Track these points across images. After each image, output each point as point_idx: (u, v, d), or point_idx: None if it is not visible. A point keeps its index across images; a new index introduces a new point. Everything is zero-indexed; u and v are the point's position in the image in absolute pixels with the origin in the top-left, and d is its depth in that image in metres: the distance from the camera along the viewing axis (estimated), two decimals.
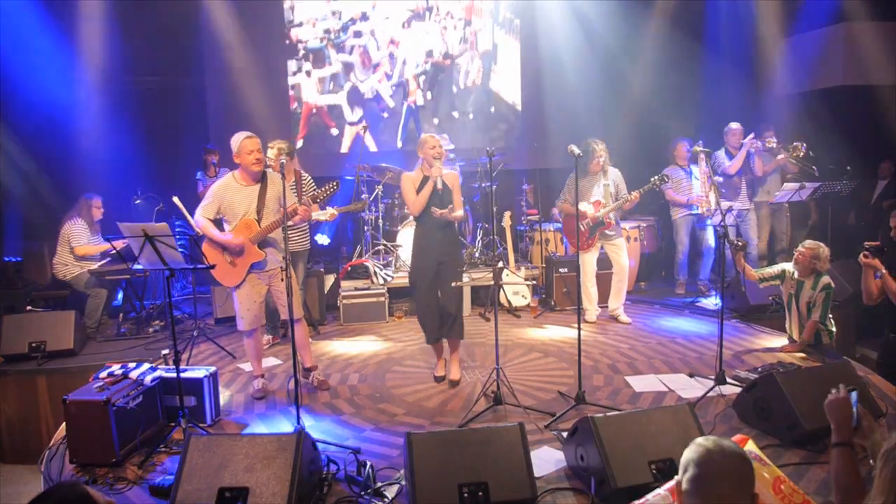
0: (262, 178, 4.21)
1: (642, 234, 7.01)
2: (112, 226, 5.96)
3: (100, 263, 5.97)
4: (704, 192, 6.43)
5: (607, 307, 6.13)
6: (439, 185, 4.30)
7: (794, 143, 6.44)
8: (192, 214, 6.19)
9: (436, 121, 8.38)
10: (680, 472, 1.71)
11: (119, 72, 7.16)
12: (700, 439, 1.71)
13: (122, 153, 7.20)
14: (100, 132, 7.12)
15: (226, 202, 4.16)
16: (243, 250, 4.16)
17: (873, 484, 1.73)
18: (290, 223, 4.11)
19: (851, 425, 2.17)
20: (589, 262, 5.92)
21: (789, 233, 7.04)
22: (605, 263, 6.10)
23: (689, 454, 1.70)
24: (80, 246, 5.91)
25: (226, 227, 4.23)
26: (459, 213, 4.47)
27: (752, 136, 6.51)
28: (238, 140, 4.15)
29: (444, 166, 4.39)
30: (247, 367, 4.96)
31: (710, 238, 6.68)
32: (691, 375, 4.54)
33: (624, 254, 5.94)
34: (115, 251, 5.56)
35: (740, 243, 4.85)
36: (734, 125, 6.66)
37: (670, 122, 8.13)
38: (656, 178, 5.61)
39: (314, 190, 5.36)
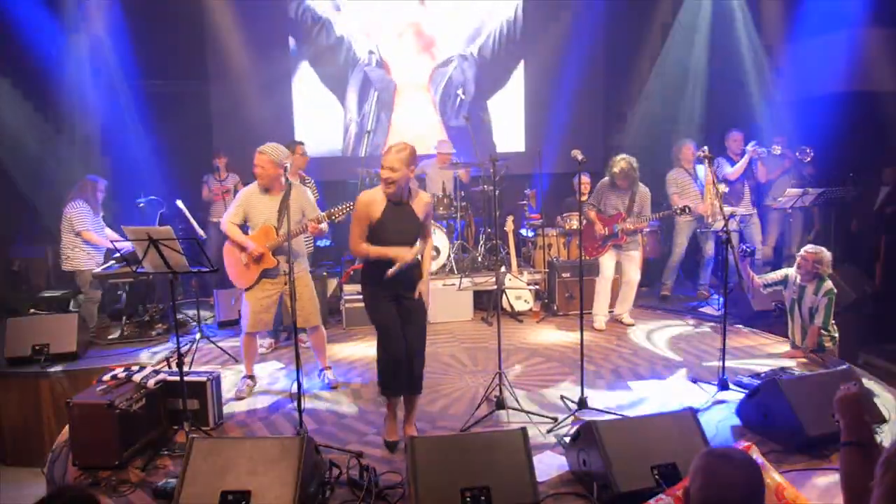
0: (285, 188, 4.31)
1: (645, 239, 7.00)
2: (116, 227, 5.99)
3: (102, 267, 5.96)
4: (710, 197, 6.41)
5: (612, 311, 6.13)
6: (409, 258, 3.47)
7: (804, 147, 6.48)
8: (195, 218, 6.25)
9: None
10: (689, 481, 1.69)
11: (123, 75, 7.18)
12: (709, 448, 1.69)
13: (124, 156, 7.23)
14: (102, 135, 7.14)
15: (249, 209, 4.33)
16: (261, 256, 4.28)
17: (873, 493, 1.69)
18: (302, 235, 4.33)
19: (862, 423, 2.03)
20: (606, 265, 5.88)
21: (798, 239, 7.03)
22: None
23: (697, 463, 1.67)
24: (85, 231, 5.75)
25: (250, 232, 4.39)
26: (428, 248, 3.78)
27: (754, 143, 6.51)
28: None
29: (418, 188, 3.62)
30: None
31: (711, 246, 6.68)
32: (694, 381, 4.54)
33: (635, 267, 5.92)
34: (118, 254, 5.58)
35: (748, 250, 4.82)
36: (734, 132, 6.69)
37: (672, 125, 8.13)
38: (678, 208, 5.77)
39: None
